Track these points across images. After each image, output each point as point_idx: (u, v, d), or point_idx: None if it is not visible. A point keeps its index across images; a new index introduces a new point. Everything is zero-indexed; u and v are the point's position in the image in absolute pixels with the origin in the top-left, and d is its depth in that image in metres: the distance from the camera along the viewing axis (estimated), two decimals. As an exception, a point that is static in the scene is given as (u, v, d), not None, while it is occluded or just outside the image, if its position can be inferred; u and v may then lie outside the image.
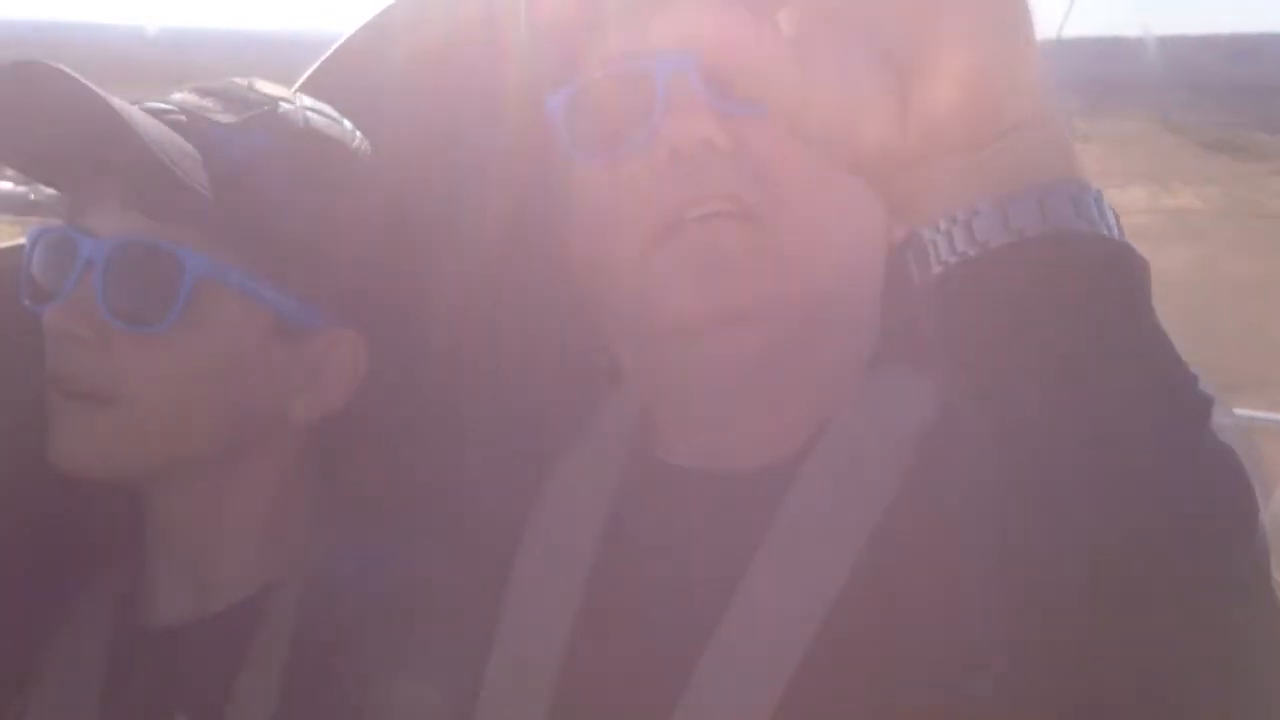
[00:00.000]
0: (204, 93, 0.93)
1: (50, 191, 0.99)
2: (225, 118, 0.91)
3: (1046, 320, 0.58)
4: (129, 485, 0.95)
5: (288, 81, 1.01)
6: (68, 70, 0.85)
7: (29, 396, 0.91)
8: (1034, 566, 0.57)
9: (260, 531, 0.96)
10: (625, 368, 0.89)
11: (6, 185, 5.20)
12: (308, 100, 0.96)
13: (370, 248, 0.95)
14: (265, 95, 0.94)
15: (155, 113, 0.89)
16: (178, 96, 0.92)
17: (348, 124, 0.97)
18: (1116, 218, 0.60)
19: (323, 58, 1.07)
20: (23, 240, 0.94)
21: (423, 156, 0.99)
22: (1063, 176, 0.59)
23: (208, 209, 0.87)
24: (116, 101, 0.86)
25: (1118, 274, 0.59)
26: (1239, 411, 0.61)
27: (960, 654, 0.62)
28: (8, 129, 0.89)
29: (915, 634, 0.70)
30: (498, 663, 0.83)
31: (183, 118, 0.89)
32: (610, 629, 0.81)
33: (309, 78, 1.06)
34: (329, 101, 0.98)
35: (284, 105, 0.93)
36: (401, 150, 0.98)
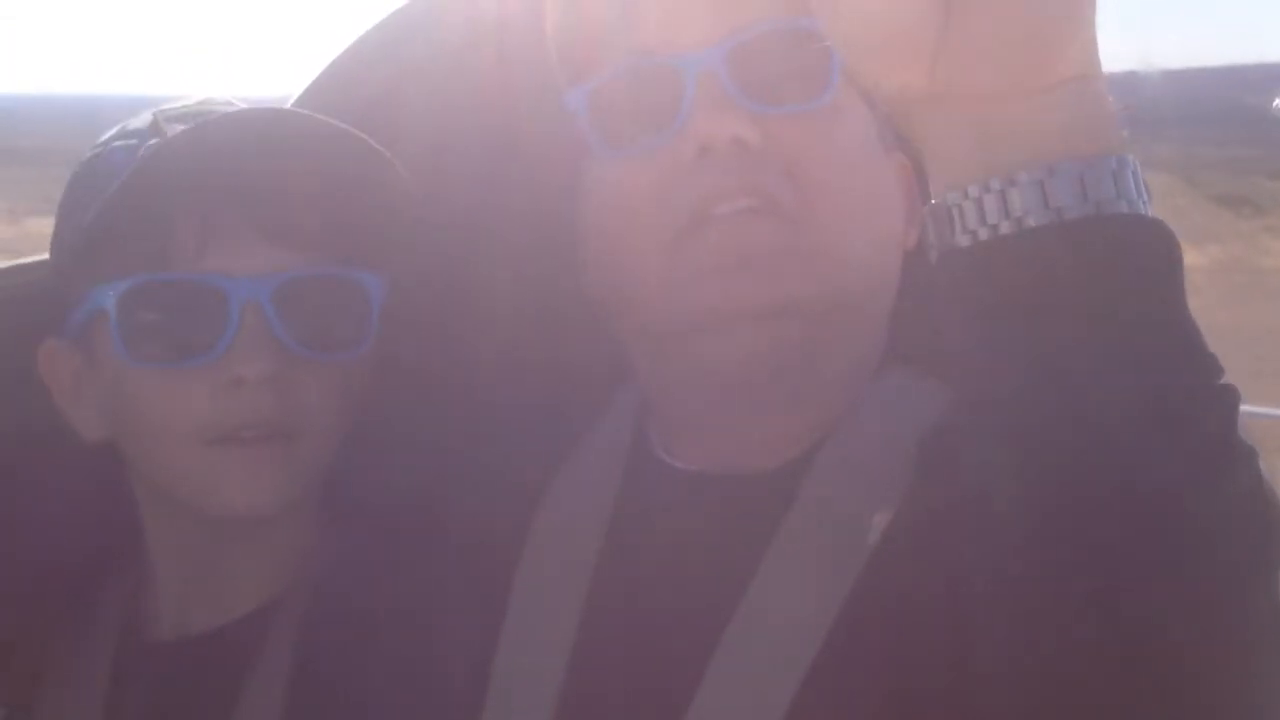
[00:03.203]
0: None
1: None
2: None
3: (1081, 311, 0.56)
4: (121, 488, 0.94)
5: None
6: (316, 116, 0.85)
7: (28, 414, 0.90)
8: (1047, 571, 0.56)
9: (269, 544, 0.94)
10: (636, 368, 0.88)
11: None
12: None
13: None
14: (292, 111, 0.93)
15: None
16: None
17: None
18: (1148, 189, 0.58)
19: (330, 61, 1.07)
20: (22, 260, 0.94)
21: (434, 160, 0.98)
22: (1105, 148, 0.57)
23: (376, 236, 0.87)
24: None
25: (1154, 263, 0.57)
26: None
27: (968, 654, 0.62)
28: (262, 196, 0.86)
29: (924, 635, 0.69)
30: (502, 668, 0.82)
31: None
32: (615, 633, 0.80)
33: (316, 83, 1.06)
34: (337, 103, 0.97)
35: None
36: (415, 155, 0.97)
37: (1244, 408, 0.58)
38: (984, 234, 0.58)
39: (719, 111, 0.76)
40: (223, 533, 0.92)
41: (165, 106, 0.92)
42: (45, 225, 0.96)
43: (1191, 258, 0.59)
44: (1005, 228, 0.57)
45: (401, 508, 0.91)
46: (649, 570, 0.81)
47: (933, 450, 0.77)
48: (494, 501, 0.88)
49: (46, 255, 0.95)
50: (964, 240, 0.59)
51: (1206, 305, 0.59)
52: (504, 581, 0.85)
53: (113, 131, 0.93)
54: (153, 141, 0.87)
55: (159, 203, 0.84)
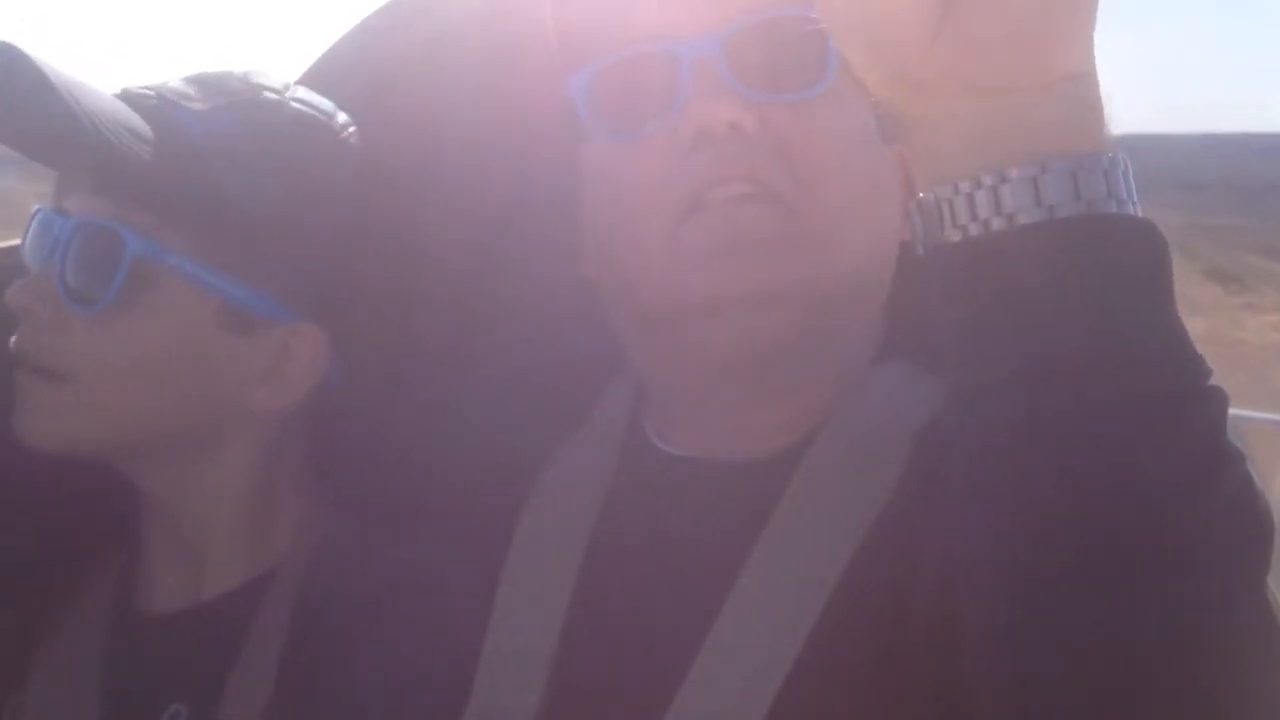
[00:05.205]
0: (194, 80, 0.92)
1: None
2: (197, 104, 0.90)
3: (1070, 310, 0.56)
4: (98, 461, 0.93)
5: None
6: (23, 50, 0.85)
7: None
8: (1035, 568, 0.56)
9: (249, 518, 0.95)
10: (633, 353, 0.88)
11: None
12: (301, 93, 0.95)
13: (342, 244, 0.93)
14: (250, 84, 0.92)
15: (128, 95, 0.89)
16: (165, 82, 0.91)
17: (341, 119, 0.95)
18: (1135, 187, 0.58)
19: (326, 48, 1.07)
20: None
21: (425, 145, 0.98)
22: (1097, 146, 0.57)
23: (152, 189, 0.86)
24: (65, 78, 0.85)
25: (1144, 264, 0.57)
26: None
27: (955, 644, 0.61)
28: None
29: (912, 624, 0.69)
30: (491, 649, 0.82)
31: (154, 101, 0.89)
32: (605, 618, 0.80)
33: (322, 60, 1.05)
34: (342, 79, 0.97)
35: (267, 95, 0.92)
36: (419, 136, 0.98)
37: (1232, 411, 0.58)
38: (975, 230, 0.58)
39: (714, 98, 0.76)
40: (196, 494, 0.93)
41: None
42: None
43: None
44: (997, 224, 0.57)
45: (396, 488, 0.91)
46: (641, 555, 0.81)
47: (926, 442, 0.77)
48: (488, 485, 0.88)
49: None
50: (954, 236, 0.58)
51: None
52: (495, 565, 0.85)
53: None
54: None
55: None
